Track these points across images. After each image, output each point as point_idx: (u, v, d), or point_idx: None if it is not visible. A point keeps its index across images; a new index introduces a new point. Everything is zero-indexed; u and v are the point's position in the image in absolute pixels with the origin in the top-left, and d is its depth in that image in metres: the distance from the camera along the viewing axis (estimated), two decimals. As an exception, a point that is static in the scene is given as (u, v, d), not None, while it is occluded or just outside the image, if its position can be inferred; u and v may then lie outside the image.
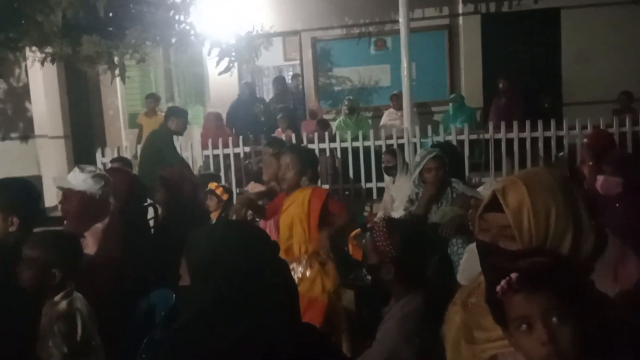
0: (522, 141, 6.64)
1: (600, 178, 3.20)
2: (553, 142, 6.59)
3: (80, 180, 2.90)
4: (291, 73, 10.15)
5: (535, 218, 1.38)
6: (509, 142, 6.66)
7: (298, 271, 2.96)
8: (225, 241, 1.28)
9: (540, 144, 6.60)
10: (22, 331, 2.03)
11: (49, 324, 2.04)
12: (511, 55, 8.39)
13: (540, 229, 1.38)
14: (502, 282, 1.20)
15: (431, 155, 3.84)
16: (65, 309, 2.05)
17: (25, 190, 2.60)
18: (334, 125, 7.90)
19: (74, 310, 2.05)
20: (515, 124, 6.63)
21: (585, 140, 4.50)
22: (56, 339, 1.96)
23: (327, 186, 6.92)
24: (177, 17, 5.37)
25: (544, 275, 1.19)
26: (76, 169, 2.97)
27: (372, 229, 1.99)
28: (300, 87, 9.14)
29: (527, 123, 6.60)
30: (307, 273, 2.94)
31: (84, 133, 8.02)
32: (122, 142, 8.17)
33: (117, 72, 5.32)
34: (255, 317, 1.25)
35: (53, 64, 5.40)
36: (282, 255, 2.99)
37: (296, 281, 2.76)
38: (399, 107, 7.55)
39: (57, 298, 2.08)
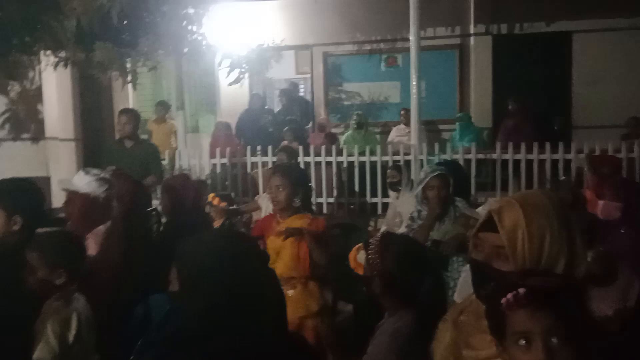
0: (529, 162, 6.64)
1: (600, 203, 3.19)
2: (560, 165, 6.57)
3: (84, 182, 2.94)
4: (302, 86, 10.23)
5: (529, 240, 1.39)
6: (517, 163, 6.66)
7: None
8: (215, 251, 1.29)
9: (548, 166, 6.59)
10: (25, 331, 2.04)
11: (42, 323, 2.04)
12: (522, 77, 8.40)
13: (533, 251, 1.39)
14: (509, 295, 1.21)
15: (434, 174, 3.83)
16: (61, 309, 2.05)
17: (28, 190, 2.62)
18: (342, 139, 7.94)
19: (70, 311, 2.06)
20: (522, 145, 6.63)
21: (588, 163, 4.49)
22: (49, 338, 1.96)
23: (332, 199, 6.95)
24: (190, 28, 5.44)
25: (551, 295, 1.20)
26: (81, 172, 3.01)
27: (369, 242, 2.00)
28: (311, 100, 9.21)
29: (535, 145, 6.60)
30: (290, 293, 2.91)
31: (94, 136, 8.09)
32: (131, 148, 8.23)
33: (128, 78, 5.38)
34: (244, 326, 1.26)
35: (66, 67, 5.48)
36: None
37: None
38: (408, 122, 7.58)
39: (55, 297, 2.09)
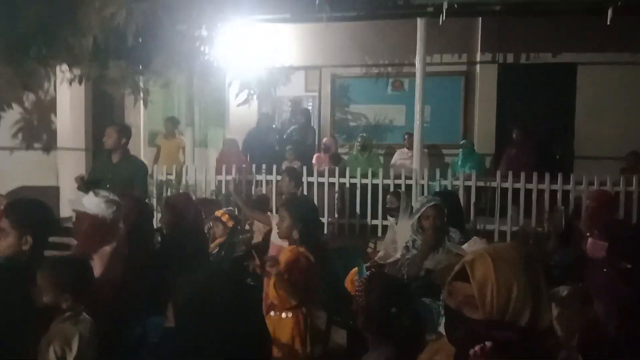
0: (529, 192, 6.74)
1: (588, 240, 3.26)
2: (559, 195, 6.67)
3: (93, 204, 3.08)
4: (310, 104, 10.37)
5: (497, 292, 1.51)
6: (516, 191, 6.77)
7: (272, 315, 3.10)
8: (208, 294, 1.42)
9: (547, 196, 6.69)
10: (31, 347, 2.16)
11: (45, 341, 2.16)
12: (526, 105, 8.52)
13: (501, 302, 1.51)
14: (477, 347, 1.33)
15: (430, 204, 3.96)
16: (65, 330, 2.18)
17: (39, 211, 2.76)
18: (346, 158, 8.08)
19: (74, 332, 2.18)
20: (522, 174, 6.74)
21: (585, 200, 4.60)
22: (49, 356, 2.08)
23: (333, 220, 7.07)
24: (202, 49, 5.61)
25: (515, 349, 1.31)
26: (91, 193, 3.14)
27: (360, 279, 2.13)
28: (318, 119, 9.37)
29: (534, 175, 6.71)
30: (279, 320, 3.07)
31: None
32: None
33: (140, 95, 5.55)
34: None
35: (81, 84, 5.65)
36: (265, 298, 3.12)
37: (271, 322, 2.90)
38: (411, 147, 7.70)
39: (62, 318, 2.22)
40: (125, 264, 3.09)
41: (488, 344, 1.32)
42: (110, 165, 5.03)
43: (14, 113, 7.62)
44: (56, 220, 2.88)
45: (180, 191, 6.94)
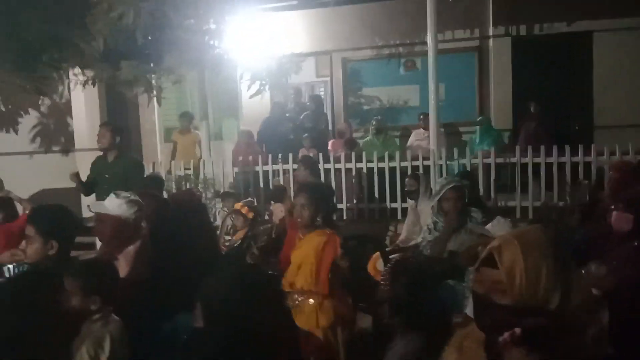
0: (550, 165, 6.64)
1: (613, 213, 3.19)
2: (581, 168, 6.56)
3: (115, 205, 3.11)
4: (322, 90, 10.31)
5: (526, 277, 1.49)
6: (536, 166, 6.67)
7: (296, 304, 3.08)
8: (236, 291, 1.42)
9: (568, 169, 6.59)
10: (63, 351, 2.21)
11: (78, 343, 2.20)
12: (542, 78, 8.37)
13: (530, 287, 1.49)
14: (506, 334, 1.32)
15: (450, 186, 3.92)
16: (97, 331, 2.22)
17: (64, 216, 2.81)
18: (361, 143, 8.03)
19: (105, 333, 2.22)
20: (542, 148, 6.63)
21: (608, 171, 4.50)
22: (83, 358, 2.13)
23: (350, 205, 7.06)
24: (211, 43, 5.59)
25: (544, 336, 1.30)
26: (112, 195, 3.18)
27: (386, 269, 2.12)
28: (331, 104, 9.32)
29: (554, 148, 6.60)
30: (305, 307, 3.04)
31: (121, 146, 8.32)
32: (158, 157, 8.47)
33: (153, 93, 5.56)
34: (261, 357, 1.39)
35: (94, 86, 5.68)
36: (286, 286, 3.12)
37: (294, 311, 2.88)
38: (427, 127, 7.62)
39: (92, 319, 2.26)
40: (148, 263, 3.13)
41: (517, 330, 1.31)
42: (106, 165, 5.02)
43: (31, 118, 7.75)
44: (79, 224, 2.91)
45: (199, 186, 6.98)
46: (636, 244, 3.12)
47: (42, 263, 2.62)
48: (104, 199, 4.31)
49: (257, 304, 1.43)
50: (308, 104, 8.79)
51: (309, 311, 3.08)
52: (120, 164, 4.99)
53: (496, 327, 1.40)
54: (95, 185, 5.14)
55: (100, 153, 5.21)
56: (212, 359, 1.37)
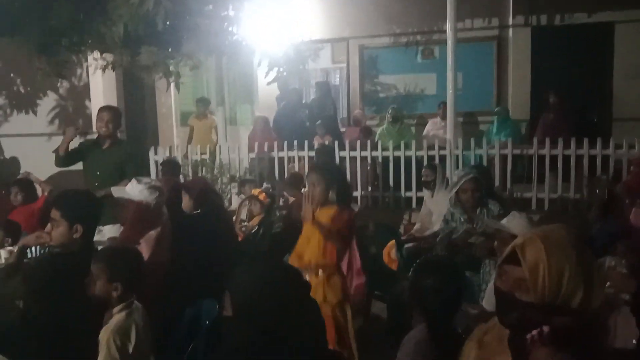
0: (567, 158, 6.60)
1: (633, 210, 3.20)
2: (598, 161, 6.50)
3: (137, 191, 3.18)
4: (338, 76, 10.28)
5: (549, 275, 1.50)
6: (554, 158, 6.63)
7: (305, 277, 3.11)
8: (265, 283, 1.46)
9: (586, 162, 6.54)
10: (86, 337, 2.27)
11: (105, 333, 2.26)
12: (561, 69, 8.25)
13: (553, 285, 1.50)
14: (534, 332, 1.33)
15: (468, 177, 3.94)
16: (122, 321, 2.26)
17: (88, 201, 2.87)
18: (377, 131, 8.03)
19: (130, 322, 2.27)
20: (560, 141, 6.59)
21: (631, 166, 4.47)
22: (111, 349, 2.18)
23: (365, 193, 7.08)
24: (230, 29, 5.60)
25: (572, 334, 1.32)
26: (134, 181, 3.23)
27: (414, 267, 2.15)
28: (347, 92, 9.29)
29: (572, 141, 6.54)
30: (312, 281, 3.04)
31: (138, 130, 8.41)
32: (174, 140, 8.53)
33: (172, 79, 5.59)
34: (290, 349, 1.43)
35: (113, 71, 5.72)
36: (294, 260, 3.17)
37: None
38: (445, 116, 7.59)
39: (117, 309, 2.31)
40: (170, 248, 3.19)
41: (546, 328, 1.32)
42: (99, 152, 4.55)
43: (50, 100, 7.81)
44: (103, 208, 2.97)
45: (215, 171, 7.04)
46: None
47: (68, 246, 2.68)
48: (95, 186, 4.27)
49: (291, 301, 1.47)
50: (316, 90, 8.77)
51: (316, 285, 3.09)
52: (115, 151, 4.53)
53: (522, 325, 1.42)
54: (87, 172, 4.66)
55: (118, 135, 4.89)
56: (244, 349, 1.40)
